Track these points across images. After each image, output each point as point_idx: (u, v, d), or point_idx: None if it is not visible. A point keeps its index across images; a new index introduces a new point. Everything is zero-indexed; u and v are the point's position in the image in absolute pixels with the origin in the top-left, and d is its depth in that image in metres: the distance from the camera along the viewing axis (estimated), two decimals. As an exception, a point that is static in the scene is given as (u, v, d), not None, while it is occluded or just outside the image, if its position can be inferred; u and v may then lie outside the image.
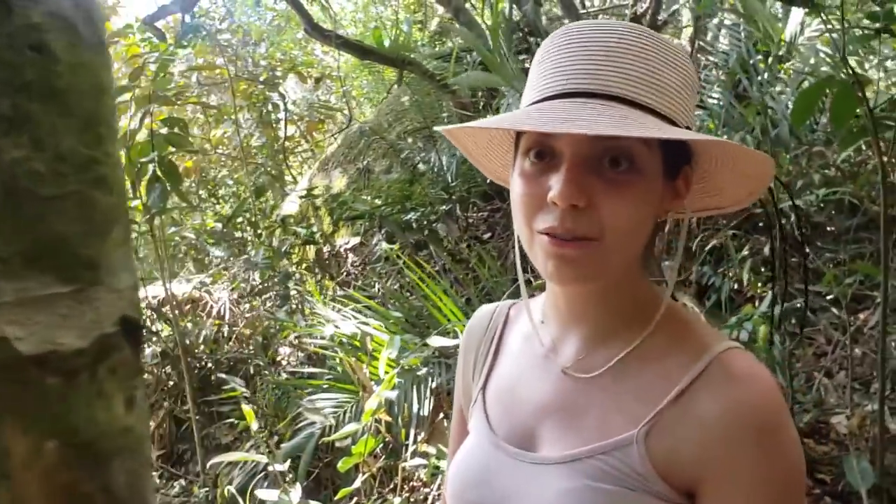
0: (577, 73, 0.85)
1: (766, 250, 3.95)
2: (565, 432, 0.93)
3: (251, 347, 5.07)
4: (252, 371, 4.68)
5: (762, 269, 3.97)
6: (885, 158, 2.46)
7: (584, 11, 6.96)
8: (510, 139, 0.99)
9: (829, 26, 2.50)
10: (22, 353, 0.44)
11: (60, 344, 0.46)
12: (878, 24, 2.33)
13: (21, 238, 0.44)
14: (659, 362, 0.91)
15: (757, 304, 3.55)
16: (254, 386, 4.41)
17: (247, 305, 5.55)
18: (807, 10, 2.65)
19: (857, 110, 2.41)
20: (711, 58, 4.77)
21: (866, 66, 4.19)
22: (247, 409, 2.82)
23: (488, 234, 5.34)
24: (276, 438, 3.71)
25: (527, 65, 6.39)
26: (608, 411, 0.91)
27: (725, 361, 0.87)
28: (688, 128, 0.88)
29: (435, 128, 0.97)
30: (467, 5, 6.69)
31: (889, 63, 4.18)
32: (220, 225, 5.94)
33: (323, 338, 3.71)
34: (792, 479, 0.84)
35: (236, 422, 3.79)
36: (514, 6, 6.35)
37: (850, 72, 2.31)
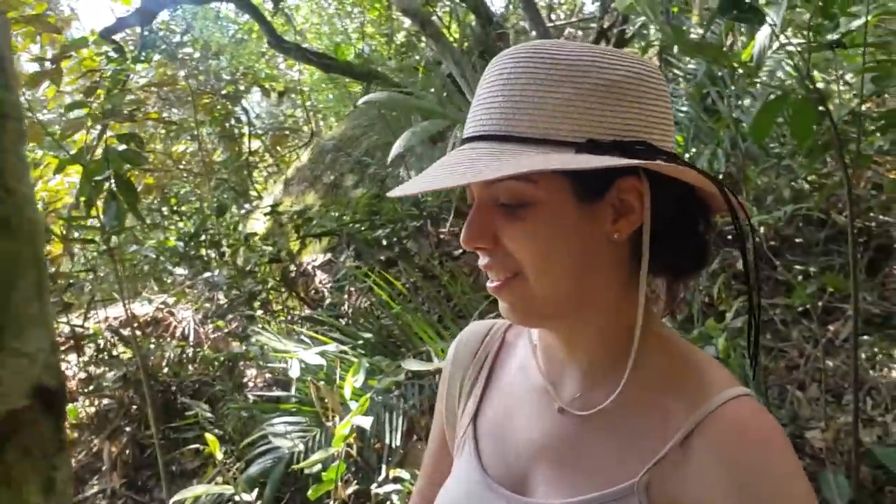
0: (473, 116, 0.85)
1: (739, 265, 3.93)
2: (562, 477, 0.89)
3: (216, 370, 4.94)
4: (217, 395, 4.55)
5: (733, 283, 3.95)
6: (849, 171, 2.45)
7: (552, 25, 6.96)
8: None
9: (790, 42, 2.49)
10: None
11: (-49, 428, 0.37)
12: (832, 37, 2.33)
13: None
14: (659, 404, 0.86)
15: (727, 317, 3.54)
16: (219, 410, 4.28)
17: (211, 326, 5.42)
18: (774, 24, 2.64)
19: (820, 124, 2.41)
20: (678, 71, 4.76)
21: (829, 77, 4.22)
22: (211, 437, 2.72)
23: (460, 251, 5.28)
24: (241, 464, 3.60)
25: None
26: (607, 456, 0.87)
27: (729, 411, 0.81)
28: (592, 140, 0.79)
29: (389, 193, 0.92)
30: (433, 18, 6.65)
31: (849, 76, 4.20)
32: (181, 243, 5.79)
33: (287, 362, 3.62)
34: None
35: (202, 447, 3.67)
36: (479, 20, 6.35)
37: (812, 87, 2.30)
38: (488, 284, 0.88)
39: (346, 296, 4.94)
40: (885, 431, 3.34)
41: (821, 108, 2.31)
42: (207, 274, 5.48)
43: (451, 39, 6.27)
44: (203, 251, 5.69)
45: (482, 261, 0.87)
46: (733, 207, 0.85)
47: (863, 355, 3.67)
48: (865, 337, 3.70)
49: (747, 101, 4.04)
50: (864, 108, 3.04)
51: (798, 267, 3.98)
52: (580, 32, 7.32)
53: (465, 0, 6.52)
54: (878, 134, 3.08)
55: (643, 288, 0.86)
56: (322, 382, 3.07)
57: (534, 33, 6.30)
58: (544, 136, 0.79)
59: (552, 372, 0.96)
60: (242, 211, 7.34)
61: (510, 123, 0.80)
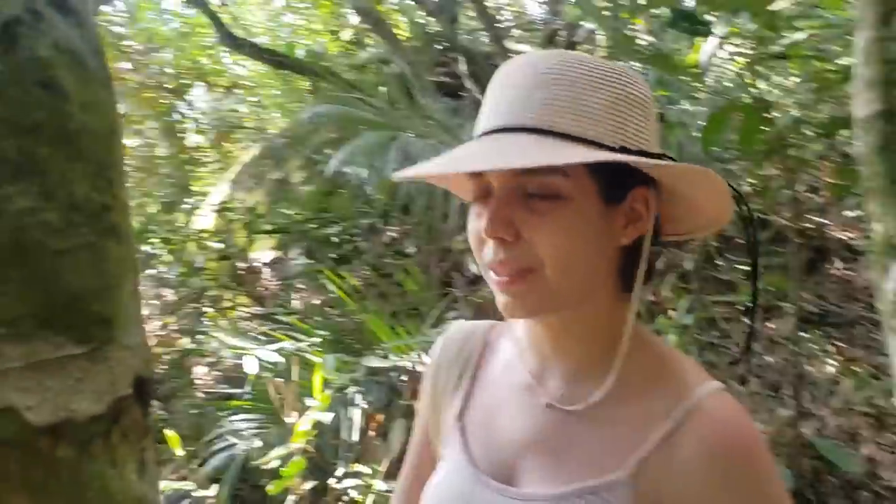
0: (498, 109, 0.87)
1: (685, 265, 4.07)
2: (550, 469, 0.91)
3: (167, 367, 4.89)
4: (168, 392, 4.51)
5: (680, 282, 4.08)
6: (792, 175, 2.58)
7: (499, 24, 7.04)
8: None
9: (741, 52, 2.61)
10: (33, 423, 0.40)
11: (75, 411, 0.41)
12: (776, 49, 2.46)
13: (31, 296, 0.40)
14: (642, 399, 0.90)
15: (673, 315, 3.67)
16: (170, 407, 4.25)
17: (159, 323, 5.35)
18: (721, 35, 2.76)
19: (764, 131, 2.53)
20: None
21: (770, 87, 4.38)
22: (170, 434, 2.72)
23: (411, 249, 5.32)
24: (196, 462, 3.58)
25: (443, 79, 6.42)
26: (594, 449, 0.90)
27: (706, 406, 0.86)
28: (624, 147, 0.85)
29: (394, 175, 0.95)
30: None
31: (791, 84, 4.37)
32: (128, 239, 5.67)
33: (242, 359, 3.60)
34: None
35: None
36: (432, 19, 6.39)
37: (758, 96, 2.42)
38: (495, 279, 0.88)
39: (297, 293, 4.93)
40: (823, 424, 3.50)
41: (765, 115, 2.43)
42: (154, 271, 5.42)
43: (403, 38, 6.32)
44: (149, 247, 5.62)
45: (495, 254, 0.86)
46: (744, 217, 0.93)
47: (801, 351, 3.83)
48: (802, 334, 3.86)
49: (692, 107, 4.17)
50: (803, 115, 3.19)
51: (740, 266, 4.14)
52: (529, 35, 7.43)
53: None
54: (827, 137, 3.22)
55: (638, 289, 0.92)
56: (280, 380, 3.08)
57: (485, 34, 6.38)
58: (583, 136, 0.83)
59: (538, 368, 0.99)
60: (187, 207, 7.25)
61: (551, 119, 0.83)
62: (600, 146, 0.83)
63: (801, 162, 2.82)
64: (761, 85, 4.14)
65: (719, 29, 2.62)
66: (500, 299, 0.89)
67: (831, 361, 3.82)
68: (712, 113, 2.37)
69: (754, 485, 0.83)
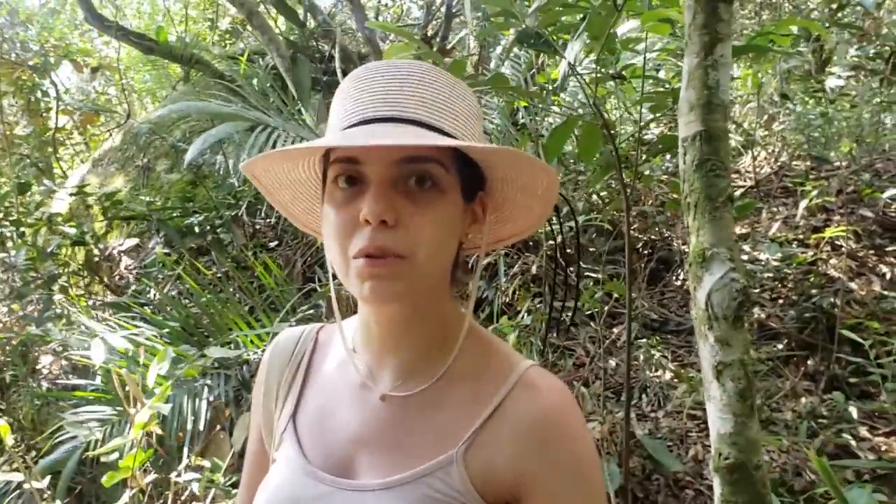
0: (375, 102, 0.90)
1: (534, 269, 4.23)
2: (385, 459, 0.95)
3: (7, 354, 4.66)
4: (8, 380, 4.31)
5: (531, 285, 4.24)
6: (630, 189, 2.74)
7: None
8: (316, 180, 1.03)
9: (594, 71, 2.76)
10: None
11: None
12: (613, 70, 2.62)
13: None
14: (471, 382, 0.96)
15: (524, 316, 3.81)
16: (8, 397, 4.06)
17: (5, 309, 5.10)
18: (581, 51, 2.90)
19: (604, 146, 2.69)
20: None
21: (616, 106, 4.62)
22: (1, 424, 2.61)
23: (275, 243, 5.28)
24: (33, 454, 3.45)
25: (319, 76, 6.40)
26: (426, 435, 0.94)
27: (529, 379, 0.95)
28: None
29: (241, 165, 0.97)
30: (261, 8, 6.59)
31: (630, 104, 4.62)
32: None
33: (88, 348, 3.49)
34: (595, 477, 0.93)
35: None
36: (309, 14, 6.37)
37: (598, 112, 2.57)
38: (362, 266, 0.87)
39: (153, 283, 4.81)
40: (656, 425, 3.71)
41: (606, 131, 2.58)
42: (3, 255, 5.15)
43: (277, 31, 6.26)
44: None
45: (372, 239, 0.86)
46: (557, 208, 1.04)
47: (641, 356, 4.05)
48: (642, 340, 4.08)
49: (549, 120, 4.35)
50: (647, 133, 3.42)
51: (590, 274, 4.34)
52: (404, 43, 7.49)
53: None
54: (655, 157, 3.43)
55: (475, 286, 1.01)
56: (125, 370, 3.01)
57: (359, 34, 6.40)
58: (454, 134, 0.91)
59: (372, 361, 1.03)
60: (43, 188, 6.93)
61: (433, 116, 0.90)
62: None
63: (644, 177, 3.01)
64: (609, 104, 4.37)
65: (570, 49, 2.76)
66: (367, 285, 0.87)
67: (669, 367, 4.05)
68: (555, 127, 2.50)
69: (569, 446, 0.91)
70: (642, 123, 2.59)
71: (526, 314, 3.41)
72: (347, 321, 1.10)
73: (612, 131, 2.56)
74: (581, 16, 2.39)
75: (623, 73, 2.49)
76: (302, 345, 1.12)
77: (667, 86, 2.98)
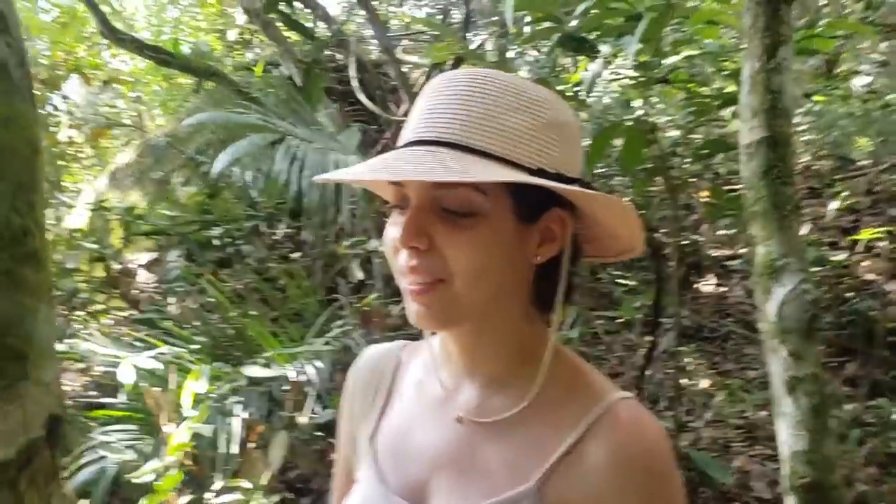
0: (420, 122, 0.88)
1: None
2: (459, 486, 0.92)
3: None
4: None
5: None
6: (673, 194, 2.68)
7: (392, 34, 7.04)
8: None
9: (632, 75, 2.70)
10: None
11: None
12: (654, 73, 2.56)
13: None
14: (553, 412, 0.91)
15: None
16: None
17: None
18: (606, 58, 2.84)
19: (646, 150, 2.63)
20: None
21: (650, 107, 4.56)
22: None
23: (297, 254, 5.22)
24: (63, 474, 3.38)
25: (334, 85, 6.36)
26: (503, 464, 0.91)
27: (615, 412, 0.89)
28: (541, 170, 0.87)
29: (315, 178, 0.94)
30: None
31: (669, 106, 4.55)
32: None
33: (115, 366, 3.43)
34: None
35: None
36: (323, 23, 6.33)
37: (639, 118, 2.51)
38: (407, 287, 0.89)
39: (175, 297, 4.75)
40: (698, 437, 3.64)
41: (648, 137, 2.52)
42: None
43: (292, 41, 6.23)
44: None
45: (408, 262, 0.87)
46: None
47: (678, 365, 3.98)
48: (680, 348, 4.01)
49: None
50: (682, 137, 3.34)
51: (621, 281, 4.27)
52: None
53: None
54: (699, 160, 3.37)
55: (559, 306, 0.94)
56: (157, 389, 2.95)
57: (373, 42, 6.36)
58: (502, 155, 0.84)
59: (452, 382, 1.00)
60: (56, 202, 6.89)
61: (473, 137, 0.84)
62: (518, 167, 0.85)
63: (682, 182, 2.94)
64: (639, 104, 4.31)
65: (604, 51, 2.70)
66: (412, 308, 0.89)
67: (707, 375, 3.98)
68: (596, 135, 2.44)
69: (656, 488, 0.85)
70: (689, 126, 2.53)
71: (570, 327, 3.33)
72: (434, 338, 1.06)
73: (654, 137, 2.49)
74: (623, 19, 2.32)
75: (668, 77, 2.42)
76: (385, 364, 1.11)
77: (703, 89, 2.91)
